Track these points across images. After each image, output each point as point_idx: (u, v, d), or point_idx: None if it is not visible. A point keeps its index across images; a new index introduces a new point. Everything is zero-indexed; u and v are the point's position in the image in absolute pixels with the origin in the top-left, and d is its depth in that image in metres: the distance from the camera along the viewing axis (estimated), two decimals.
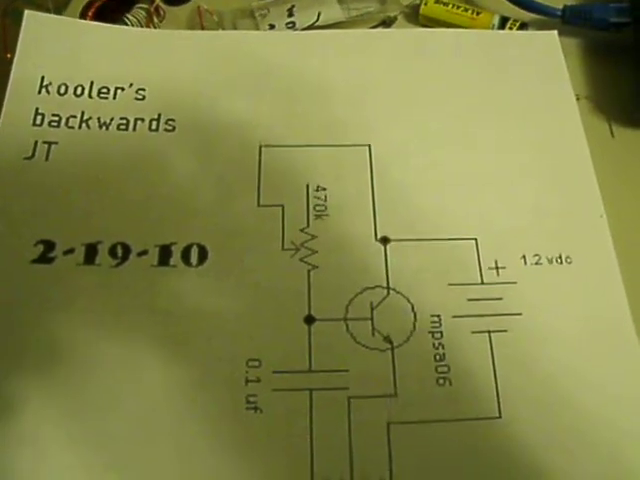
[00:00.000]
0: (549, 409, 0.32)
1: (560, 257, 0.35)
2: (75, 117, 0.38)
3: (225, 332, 0.33)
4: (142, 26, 0.42)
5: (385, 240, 0.35)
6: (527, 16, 0.43)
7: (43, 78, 0.39)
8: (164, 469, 0.30)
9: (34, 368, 0.31)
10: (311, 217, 0.35)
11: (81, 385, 0.30)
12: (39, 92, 0.39)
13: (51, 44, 0.39)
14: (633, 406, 0.32)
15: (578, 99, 0.40)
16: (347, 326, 0.33)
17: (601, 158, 0.37)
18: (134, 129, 0.38)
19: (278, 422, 0.31)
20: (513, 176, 0.37)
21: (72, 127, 0.38)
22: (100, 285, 0.33)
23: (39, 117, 0.38)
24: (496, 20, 0.43)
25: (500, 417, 0.32)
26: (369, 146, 0.38)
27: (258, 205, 0.36)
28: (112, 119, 0.38)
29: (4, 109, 0.37)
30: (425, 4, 0.44)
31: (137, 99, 0.39)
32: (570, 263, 0.35)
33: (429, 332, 0.33)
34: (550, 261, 0.35)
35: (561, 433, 0.31)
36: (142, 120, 0.38)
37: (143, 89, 0.39)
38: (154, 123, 0.38)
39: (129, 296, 0.33)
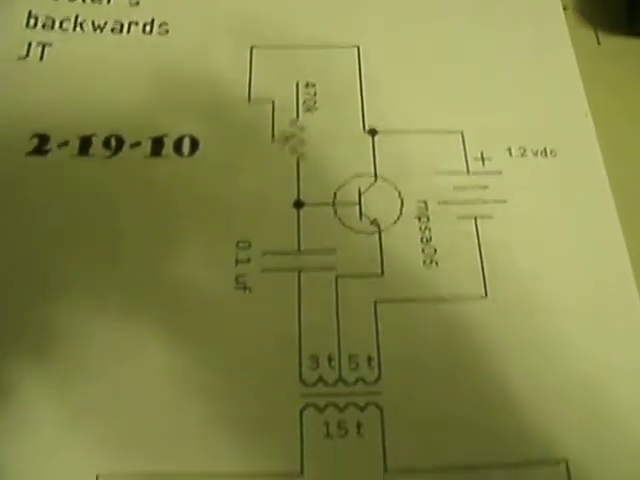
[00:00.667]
0: (532, 287, 0.32)
1: (545, 150, 0.35)
2: (69, 20, 0.38)
3: (216, 216, 0.32)
4: None
5: (373, 132, 0.35)
6: None
7: None
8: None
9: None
10: (301, 111, 0.36)
11: None
12: None
13: None
14: (614, 282, 0.33)
15: (565, 9, 0.39)
16: (335, 211, 0.33)
17: (587, 64, 0.37)
18: (128, 32, 0.38)
19: (267, 301, 0.31)
20: (500, 79, 0.38)
21: (66, 29, 0.38)
22: (94, 175, 0.33)
23: (32, 19, 0.38)
24: None
25: (486, 296, 0.31)
26: (358, 47, 0.37)
27: (249, 99, 0.35)
28: (106, 22, 0.38)
29: None
30: None
31: (131, 4, 0.38)
32: (555, 156, 0.35)
33: (416, 217, 0.33)
34: (535, 154, 0.35)
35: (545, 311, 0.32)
36: (136, 24, 0.38)
37: None
38: (147, 27, 0.38)
39: (123, 185, 0.33)
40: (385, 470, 0.29)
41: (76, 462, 0.28)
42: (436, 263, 0.33)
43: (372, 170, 0.35)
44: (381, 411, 0.30)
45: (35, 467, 0.28)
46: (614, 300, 0.32)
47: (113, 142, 0.35)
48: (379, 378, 0.30)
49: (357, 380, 0.30)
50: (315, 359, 0.30)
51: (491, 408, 0.30)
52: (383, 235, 0.33)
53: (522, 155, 0.35)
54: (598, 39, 0.40)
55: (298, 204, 0.33)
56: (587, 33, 0.40)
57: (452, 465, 0.29)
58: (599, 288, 0.33)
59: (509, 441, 0.30)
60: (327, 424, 0.30)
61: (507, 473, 0.29)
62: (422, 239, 0.33)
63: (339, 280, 0.32)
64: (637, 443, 0.30)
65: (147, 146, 0.35)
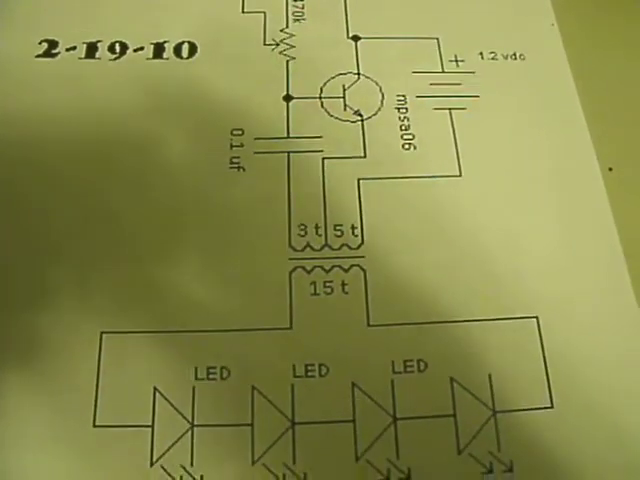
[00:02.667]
0: (504, 167, 0.35)
1: (514, 54, 0.37)
2: None
3: (212, 108, 0.35)
4: None
5: (356, 38, 0.37)
6: None
7: None
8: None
9: None
10: (290, 20, 0.38)
11: None
12: None
13: None
14: (578, 164, 0.35)
15: None
16: (322, 103, 0.35)
17: None
18: None
19: (259, 178, 0.33)
20: None
21: None
22: (100, 75, 0.36)
23: None
24: None
25: (460, 176, 0.34)
26: None
27: (242, 11, 0.38)
28: None
29: None
30: None
31: None
32: (524, 60, 0.37)
33: (395, 108, 0.35)
34: (505, 57, 0.37)
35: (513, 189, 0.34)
36: None
37: None
38: None
39: (127, 83, 0.35)
40: (368, 324, 0.30)
41: None
42: (414, 147, 0.34)
43: (355, 70, 0.36)
44: (364, 272, 0.31)
45: None
46: (579, 186, 0.34)
47: (117, 47, 0.36)
48: (362, 244, 0.32)
49: (342, 246, 0.32)
50: (303, 228, 0.32)
51: (466, 270, 0.32)
52: (365, 123, 0.35)
53: (493, 58, 0.37)
54: None
55: (287, 98, 0.35)
56: None
57: (430, 320, 0.30)
58: (565, 179, 0.35)
59: (483, 299, 0.31)
60: (314, 284, 0.31)
61: (482, 326, 0.31)
62: (401, 127, 0.35)
63: (325, 161, 0.34)
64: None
65: (149, 50, 0.36)
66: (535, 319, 0.31)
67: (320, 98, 0.35)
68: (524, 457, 0.29)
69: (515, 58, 0.37)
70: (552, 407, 0.30)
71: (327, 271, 0.31)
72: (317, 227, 0.32)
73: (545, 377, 0.30)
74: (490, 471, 0.29)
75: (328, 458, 0.29)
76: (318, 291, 0.31)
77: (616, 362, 0.30)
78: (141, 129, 0.35)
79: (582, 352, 0.31)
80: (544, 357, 0.30)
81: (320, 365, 0.30)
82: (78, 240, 0.32)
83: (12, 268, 0.31)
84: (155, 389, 0.29)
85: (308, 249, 0.32)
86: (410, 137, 0.34)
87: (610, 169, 0.34)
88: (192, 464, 0.29)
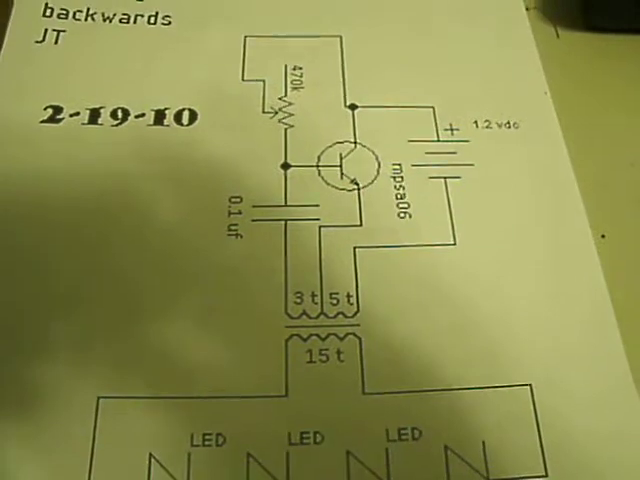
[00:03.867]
0: (498, 237, 0.34)
1: (508, 123, 0.38)
2: (81, 11, 0.40)
3: (211, 175, 0.35)
4: None
5: (353, 106, 0.38)
6: None
7: None
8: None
9: None
10: (289, 89, 0.38)
11: None
12: None
13: None
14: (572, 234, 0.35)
15: (527, 9, 0.42)
16: (319, 172, 0.35)
17: (547, 54, 0.40)
18: (134, 22, 0.40)
19: (256, 246, 0.33)
20: (468, 61, 0.41)
21: (79, 19, 0.40)
22: (102, 139, 0.36)
23: (49, 10, 0.40)
24: None
25: (455, 244, 0.34)
26: (340, 37, 0.40)
27: (242, 79, 0.38)
28: (114, 14, 0.41)
29: (16, 3, 0.41)
30: None
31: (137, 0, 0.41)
32: (517, 128, 0.37)
33: (391, 177, 0.35)
34: (499, 126, 0.38)
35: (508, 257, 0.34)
36: (142, 16, 0.41)
37: None
38: (152, 18, 0.41)
39: (128, 147, 0.36)
40: (363, 392, 0.30)
41: None
42: (409, 215, 0.34)
43: (352, 138, 0.37)
44: (360, 340, 0.31)
45: None
46: (572, 254, 0.34)
47: (120, 113, 0.37)
48: (357, 312, 0.32)
49: (337, 314, 0.32)
50: (300, 295, 0.32)
51: (461, 337, 0.32)
52: (362, 192, 0.35)
53: (487, 127, 0.38)
54: (557, 33, 0.42)
55: (285, 166, 0.35)
56: (547, 29, 0.43)
57: (425, 388, 0.30)
58: (559, 247, 0.35)
59: (478, 367, 0.31)
60: (310, 352, 0.31)
61: (476, 394, 0.31)
62: (397, 195, 0.35)
63: (322, 230, 0.34)
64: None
65: (150, 117, 0.37)
66: (529, 387, 0.30)
67: (317, 167, 0.35)
68: None
69: (509, 127, 0.37)
70: (546, 476, 0.29)
71: (323, 339, 0.31)
72: (313, 295, 0.32)
73: (539, 445, 0.30)
74: None
75: None
76: (314, 359, 0.31)
77: (609, 432, 0.30)
78: (141, 192, 0.35)
79: (576, 421, 0.30)
80: (538, 425, 0.30)
81: (315, 433, 0.30)
82: (80, 299, 0.32)
83: (15, 323, 0.31)
84: (151, 455, 0.29)
85: (304, 317, 0.32)
86: (405, 206, 0.34)
87: (603, 236, 0.34)
88: None
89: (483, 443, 0.30)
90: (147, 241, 0.34)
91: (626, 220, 0.36)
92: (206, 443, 0.30)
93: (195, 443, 0.30)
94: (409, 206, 0.35)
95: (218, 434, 0.30)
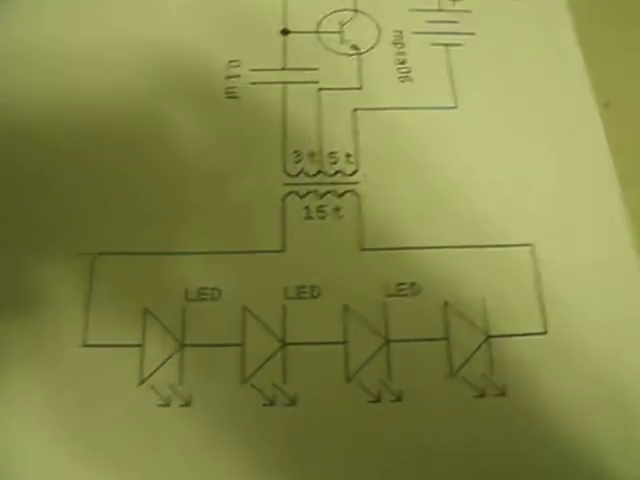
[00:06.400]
0: (501, 102, 0.33)
1: None
2: None
3: (210, 36, 0.34)
4: None
5: None
6: None
7: None
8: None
9: None
10: None
11: None
12: None
13: None
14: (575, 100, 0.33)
15: None
16: (319, 37, 0.33)
17: None
18: None
19: (255, 107, 0.32)
20: None
21: None
22: None
23: None
24: None
25: (456, 107, 0.33)
26: None
27: None
28: None
29: None
30: None
31: None
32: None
33: (392, 43, 0.33)
34: None
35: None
36: None
37: None
38: None
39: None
40: (361, 248, 0.28)
41: None
42: (410, 80, 0.32)
43: (352, 6, 0.34)
44: (358, 197, 0.29)
45: None
46: (576, 123, 0.32)
47: None
48: (356, 170, 0.30)
49: (336, 172, 0.30)
50: (298, 154, 0.30)
51: (461, 197, 0.30)
52: (362, 57, 0.33)
53: None
54: None
55: (284, 31, 0.33)
56: None
57: (424, 245, 0.28)
58: (562, 114, 0.33)
59: (478, 226, 0.30)
60: (307, 208, 0.29)
61: (476, 252, 0.29)
62: (398, 60, 0.33)
63: (321, 92, 0.31)
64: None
65: None
66: (530, 247, 0.29)
67: (317, 32, 0.33)
68: (517, 382, 0.27)
69: None
70: (545, 333, 0.27)
71: (321, 196, 0.29)
72: (312, 154, 0.30)
73: (539, 304, 0.28)
74: (482, 395, 0.26)
75: (319, 379, 0.27)
76: (312, 215, 0.29)
77: (609, 292, 0.29)
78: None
79: (576, 281, 0.29)
80: (539, 284, 0.28)
81: (312, 287, 0.28)
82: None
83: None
84: (145, 309, 0.27)
85: (302, 175, 0.30)
86: (406, 70, 0.32)
87: (607, 104, 0.31)
88: (181, 383, 0.26)
89: (483, 300, 0.28)
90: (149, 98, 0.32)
91: (631, 89, 0.32)
92: (201, 297, 0.28)
93: (190, 297, 0.28)
94: (410, 70, 0.33)
95: (214, 288, 0.28)
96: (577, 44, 0.34)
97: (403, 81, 0.32)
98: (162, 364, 0.27)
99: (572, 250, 0.29)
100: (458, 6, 0.34)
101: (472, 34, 0.34)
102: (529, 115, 0.32)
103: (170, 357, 0.27)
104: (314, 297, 0.27)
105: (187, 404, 0.26)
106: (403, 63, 0.32)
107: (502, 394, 0.27)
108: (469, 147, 0.31)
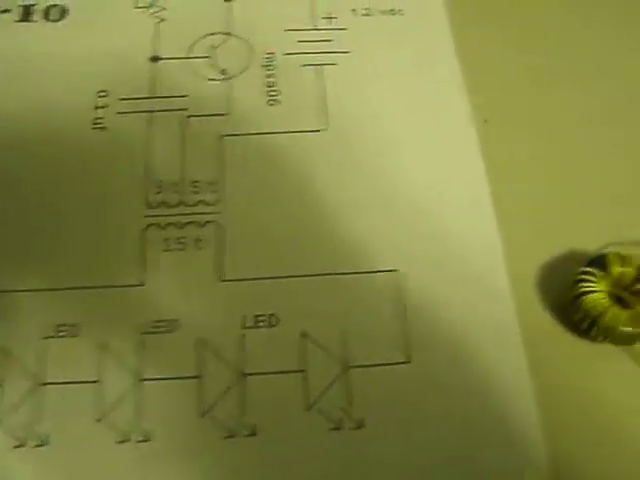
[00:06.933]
0: (372, 124, 0.32)
1: (392, 10, 0.34)
2: None
3: (78, 69, 0.32)
4: None
5: None
6: None
7: None
8: None
9: None
10: None
11: None
12: None
13: None
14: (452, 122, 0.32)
15: None
16: (189, 63, 0.32)
17: None
18: None
19: (120, 138, 0.31)
20: None
21: None
22: None
23: None
24: None
25: (326, 130, 0.32)
26: None
27: None
28: None
29: None
30: None
31: None
32: (402, 15, 0.34)
33: (263, 65, 0.32)
34: (382, 12, 0.34)
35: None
36: None
37: None
38: None
39: None
40: (221, 279, 0.28)
41: None
42: (279, 102, 0.32)
43: (226, 29, 0.33)
44: (220, 227, 0.28)
45: None
46: (452, 140, 0.31)
47: None
48: (220, 200, 0.29)
49: (198, 202, 0.29)
50: (160, 185, 0.29)
51: (326, 223, 0.30)
52: (232, 81, 0.32)
53: (367, 14, 0.34)
54: None
55: (154, 59, 0.32)
56: None
57: (285, 274, 0.28)
58: (439, 128, 0.32)
59: (343, 253, 0.29)
60: (167, 240, 0.28)
61: (339, 279, 0.28)
62: (268, 83, 0.32)
63: (190, 119, 0.31)
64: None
65: (17, 12, 0.33)
66: (395, 273, 0.28)
67: (188, 58, 0.32)
68: (376, 413, 0.26)
69: (393, 13, 0.33)
70: (409, 362, 0.27)
71: (182, 227, 0.28)
72: (175, 184, 0.30)
73: (403, 332, 0.27)
74: (339, 427, 0.25)
75: (172, 414, 0.26)
76: (171, 247, 0.28)
77: (478, 322, 0.28)
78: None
79: (443, 309, 0.28)
80: (404, 312, 0.28)
81: (171, 321, 0.27)
82: None
83: None
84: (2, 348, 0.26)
85: (163, 207, 0.29)
86: (275, 93, 0.31)
87: (485, 121, 0.31)
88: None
89: (344, 330, 0.28)
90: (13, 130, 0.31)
91: (508, 106, 0.32)
92: (60, 334, 0.27)
93: (48, 334, 0.27)
94: (279, 93, 0.31)
95: (73, 325, 0.27)
96: (456, 59, 0.32)
97: (272, 104, 0.31)
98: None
99: (439, 276, 0.28)
100: (334, 24, 0.33)
101: (347, 52, 0.33)
102: (403, 133, 0.31)
103: (29, 396, 0.26)
104: (169, 331, 0.27)
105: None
106: (272, 86, 0.32)
107: (359, 427, 0.26)
108: (336, 170, 0.30)
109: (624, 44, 0.34)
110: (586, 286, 0.27)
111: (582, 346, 0.28)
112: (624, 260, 0.27)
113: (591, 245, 0.29)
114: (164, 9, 0.34)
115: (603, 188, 0.31)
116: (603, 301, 0.27)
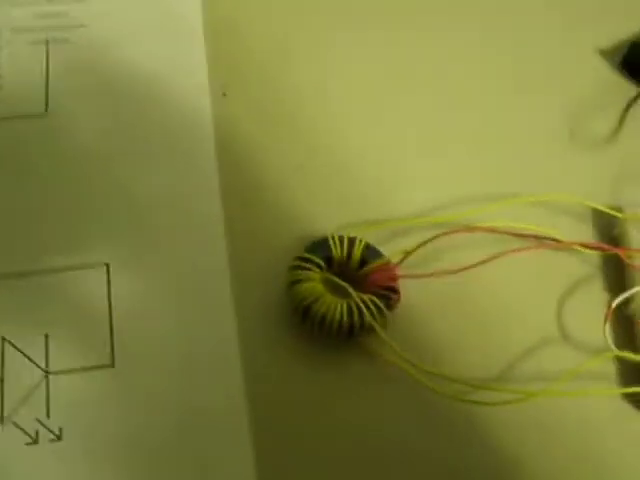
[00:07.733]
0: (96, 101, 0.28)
1: None
2: None
3: None
4: None
5: None
6: None
7: None
8: None
9: None
10: None
11: None
12: None
13: None
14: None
15: None
16: None
17: None
18: None
19: None
20: None
21: None
22: None
23: None
24: None
25: (46, 112, 0.29)
26: None
27: None
28: None
29: None
30: None
31: None
32: None
33: None
34: None
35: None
36: None
37: None
38: None
39: None
40: None
41: None
42: (1, 87, 0.28)
43: None
44: None
45: None
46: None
47: None
48: None
49: None
50: None
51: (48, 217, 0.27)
52: None
53: None
54: None
55: None
56: None
57: None
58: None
59: (51, 251, 0.26)
60: None
61: (42, 278, 0.25)
62: None
63: None
64: None
65: None
66: (105, 270, 0.25)
67: None
68: (77, 423, 0.23)
69: None
70: (112, 366, 0.24)
71: None
72: None
73: (109, 333, 0.25)
74: (36, 441, 0.23)
75: None
76: None
77: (187, 324, 0.25)
78: None
79: (152, 308, 0.25)
80: (111, 311, 0.25)
81: None
82: None
83: None
84: None
85: None
86: None
87: (224, 94, 0.29)
88: None
89: (47, 333, 0.25)
90: None
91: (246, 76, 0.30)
92: None
93: None
94: (1, 76, 0.27)
95: None
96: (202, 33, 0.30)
97: None
98: None
99: (151, 273, 0.26)
100: None
101: (83, 26, 0.29)
102: (137, 113, 0.28)
103: None
104: None
105: None
106: None
107: (58, 438, 0.23)
108: (56, 160, 0.27)
109: None
110: (301, 274, 0.24)
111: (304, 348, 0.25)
112: (352, 243, 0.25)
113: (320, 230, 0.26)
114: None
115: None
116: (316, 289, 0.24)
